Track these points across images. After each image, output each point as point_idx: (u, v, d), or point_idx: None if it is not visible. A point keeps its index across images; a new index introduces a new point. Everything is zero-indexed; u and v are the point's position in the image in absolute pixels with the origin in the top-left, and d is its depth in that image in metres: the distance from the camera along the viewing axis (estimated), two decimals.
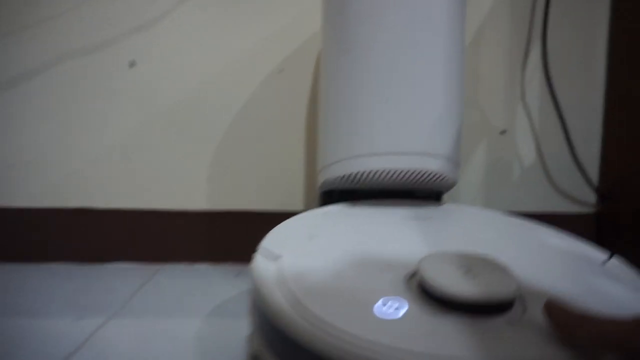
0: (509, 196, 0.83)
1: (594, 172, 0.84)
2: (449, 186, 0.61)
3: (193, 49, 0.77)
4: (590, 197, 0.84)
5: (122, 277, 0.72)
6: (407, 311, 0.34)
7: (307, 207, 0.80)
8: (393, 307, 0.35)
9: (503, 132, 0.82)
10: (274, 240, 0.47)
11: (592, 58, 0.83)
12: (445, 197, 0.65)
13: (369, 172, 0.55)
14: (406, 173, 0.55)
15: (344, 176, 0.57)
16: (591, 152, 0.84)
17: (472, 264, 0.38)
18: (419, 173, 0.55)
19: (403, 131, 0.54)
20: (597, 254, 0.47)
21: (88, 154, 0.78)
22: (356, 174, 0.56)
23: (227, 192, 0.79)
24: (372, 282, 0.39)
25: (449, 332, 0.32)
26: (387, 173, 0.55)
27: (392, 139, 0.54)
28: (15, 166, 0.77)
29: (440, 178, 0.57)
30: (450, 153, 0.56)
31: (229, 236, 0.79)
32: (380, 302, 0.35)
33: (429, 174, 0.56)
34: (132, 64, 0.76)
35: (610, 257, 0.47)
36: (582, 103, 0.83)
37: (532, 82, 0.82)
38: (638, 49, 0.77)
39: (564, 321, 0.29)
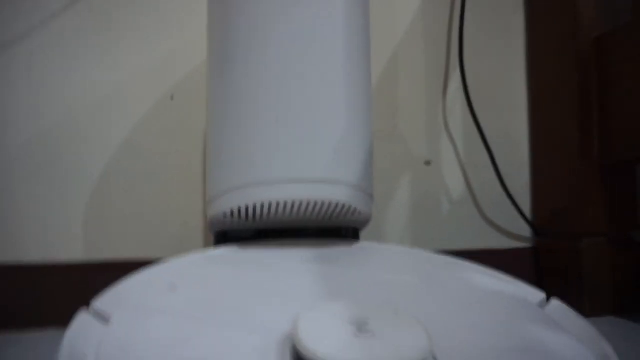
0: (439, 233, 0.75)
1: (526, 204, 0.78)
2: (362, 221, 0.52)
3: (66, 74, 0.65)
4: (526, 231, 0.78)
5: None
6: None
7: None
8: None
9: (428, 163, 0.75)
10: (117, 293, 0.34)
11: (513, 84, 0.79)
12: (369, 238, 0.55)
13: (258, 205, 0.45)
14: (305, 205, 0.45)
15: (231, 211, 0.46)
16: (522, 183, 0.79)
17: (368, 319, 0.28)
18: (320, 204, 0.46)
19: (297, 155, 0.45)
20: (533, 296, 0.38)
21: None
22: (245, 209, 0.45)
23: (109, 239, 0.66)
24: (231, 350, 0.27)
25: None
26: (281, 206, 0.45)
27: (284, 165, 0.44)
28: None
29: (348, 210, 0.47)
30: (357, 181, 0.47)
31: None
32: None
33: (333, 206, 0.46)
34: None
35: (548, 299, 0.38)
36: (508, 131, 0.78)
37: (454, 109, 0.76)
38: (555, 76, 0.74)
39: None
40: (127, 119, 0.66)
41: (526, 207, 0.78)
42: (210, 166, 0.49)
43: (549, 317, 0.34)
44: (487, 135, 0.74)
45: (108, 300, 0.33)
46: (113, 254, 0.66)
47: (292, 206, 0.46)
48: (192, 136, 0.68)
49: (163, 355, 0.27)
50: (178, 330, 0.29)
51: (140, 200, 0.67)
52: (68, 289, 0.64)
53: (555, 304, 0.37)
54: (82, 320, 0.30)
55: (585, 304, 0.67)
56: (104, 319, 0.31)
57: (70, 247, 0.65)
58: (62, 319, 0.63)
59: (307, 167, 0.44)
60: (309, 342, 0.25)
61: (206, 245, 0.68)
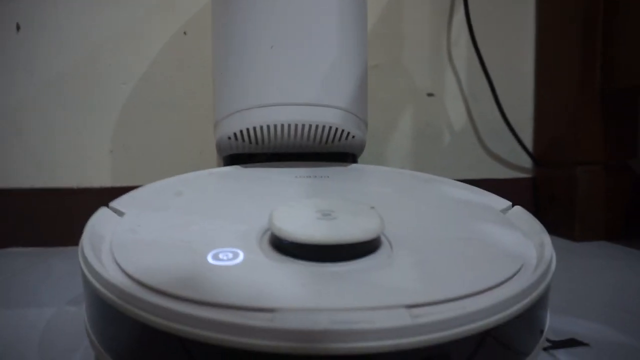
0: (440, 163, 0.78)
1: (528, 136, 0.80)
2: (357, 146, 0.56)
3: (86, 11, 0.70)
4: (527, 162, 0.81)
5: (10, 261, 0.65)
6: (242, 261, 0.29)
7: None
8: (226, 259, 0.29)
9: (430, 95, 0.77)
10: (131, 196, 0.41)
11: (520, 15, 0.79)
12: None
13: (258, 128, 0.49)
14: (301, 128, 0.50)
15: (234, 134, 0.51)
16: (524, 116, 0.80)
17: (333, 210, 0.33)
18: (314, 127, 0.50)
19: (291, 80, 0.49)
20: (499, 204, 0.43)
21: None
22: (246, 131, 0.50)
23: (133, 166, 0.73)
24: (218, 235, 0.33)
25: (284, 280, 0.26)
26: (278, 128, 0.50)
27: (279, 89, 0.48)
28: None
29: (340, 134, 0.52)
30: (348, 105, 0.51)
31: None
32: (211, 253, 0.29)
33: (327, 129, 0.50)
34: (18, 28, 0.69)
35: (513, 206, 0.42)
36: (512, 65, 0.79)
37: (459, 41, 0.77)
38: (561, 4, 0.73)
39: None
40: (145, 54, 0.71)
41: (528, 140, 0.80)
42: (215, 92, 0.54)
43: (506, 218, 0.39)
44: (491, 69, 0.76)
45: (124, 201, 0.39)
46: (136, 181, 0.73)
47: (288, 129, 0.50)
48: (204, 68, 0.72)
49: (162, 237, 0.33)
50: (176, 220, 0.35)
51: (159, 130, 0.73)
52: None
53: (517, 209, 0.41)
54: (101, 213, 0.37)
55: (575, 228, 0.71)
56: (119, 213, 0.37)
57: (99, 174, 0.72)
58: None
59: (300, 91, 0.49)
60: (280, 223, 0.30)
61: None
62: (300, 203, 0.34)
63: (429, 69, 0.77)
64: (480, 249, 0.32)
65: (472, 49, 0.76)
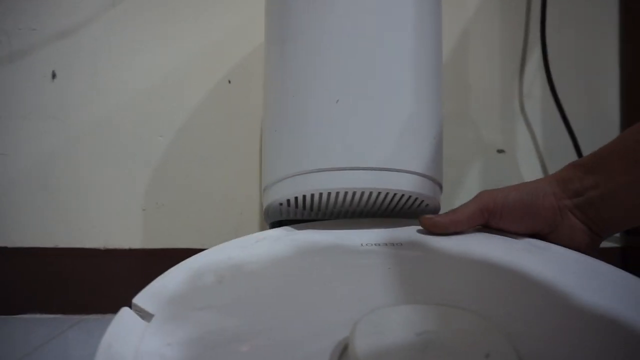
0: None
1: None
2: (429, 213, 0.47)
3: (123, 59, 0.65)
4: None
5: (27, 331, 0.57)
6: None
7: None
8: None
9: (501, 152, 0.68)
10: (161, 287, 0.32)
11: (604, 61, 0.70)
12: None
13: (316, 194, 0.41)
14: (368, 195, 0.41)
15: (287, 200, 0.43)
16: None
17: (437, 327, 0.23)
18: (383, 195, 0.41)
19: (359, 140, 0.40)
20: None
21: None
22: (302, 198, 0.42)
23: (166, 227, 0.65)
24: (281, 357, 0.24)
25: None
26: (341, 195, 0.41)
27: (344, 150, 0.40)
28: None
29: (413, 201, 0.43)
30: (424, 169, 0.42)
31: None
32: None
33: (398, 196, 0.42)
34: (53, 76, 0.65)
35: None
36: (595, 116, 0.69)
37: (533, 91, 0.69)
38: None
39: (431, 221, 0.40)
40: (184, 104, 0.65)
41: None
42: (265, 152, 0.46)
43: None
44: (571, 121, 0.66)
45: (152, 294, 0.31)
46: (170, 243, 0.65)
47: (352, 196, 0.42)
48: (250, 120, 0.65)
49: (204, 357, 0.24)
50: (219, 331, 0.27)
51: (197, 188, 0.66)
52: (127, 274, 0.64)
53: None
54: (122, 319, 0.28)
55: None
56: (145, 315, 0.29)
57: (129, 234, 0.65)
58: (121, 305, 0.64)
59: (369, 152, 0.40)
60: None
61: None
62: (385, 315, 0.25)
63: (499, 122, 0.68)
64: None
65: (547, 100, 0.67)
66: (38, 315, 0.63)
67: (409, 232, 0.41)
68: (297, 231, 0.42)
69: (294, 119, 0.42)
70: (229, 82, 0.65)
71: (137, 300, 0.30)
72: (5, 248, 0.64)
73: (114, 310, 0.68)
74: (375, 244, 0.38)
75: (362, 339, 0.23)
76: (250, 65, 0.65)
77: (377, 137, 0.41)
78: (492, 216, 0.39)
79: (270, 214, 0.47)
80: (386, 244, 0.38)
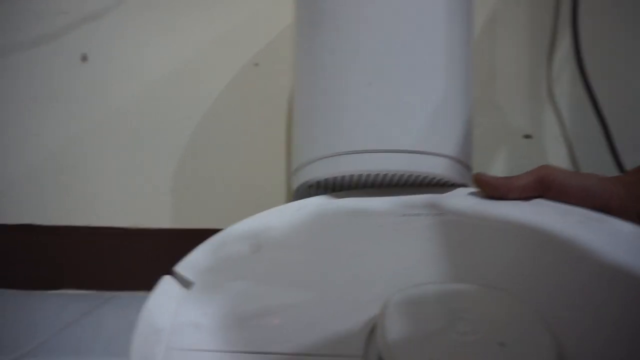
0: None
1: None
2: None
3: (152, 42, 0.66)
4: None
5: (60, 307, 0.60)
6: None
7: None
8: None
9: (528, 137, 0.68)
10: (200, 255, 0.33)
11: (637, 46, 0.68)
12: None
13: (347, 176, 0.42)
14: (398, 177, 0.42)
15: (317, 182, 0.44)
16: None
17: (468, 309, 0.24)
18: (414, 177, 0.42)
19: (392, 123, 0.41)
20: None
21: (31, 163, 0.66)
22: (332, 180, 0.43)
23: (194, 207, 0.67)
24: (306, 338, 0.25)
25: None
26: (372, 177, 0.42)
27: (376, 133, 0.41)
28: None
29: (444, 184, 0.43)
30: (455, 152, 0.43)
31: None
32: None
33: (429, 179, 0.42)
34: (84, 58, 0.66)
35: None
36: (626, 102, 0.68)
37: (562, 77, 0.68)
38: None
39: (485, 180, 0.40)
40: (211, 88, 0.66)
41: None
42: (296, 134, 0.47)
43: None
44: (602, 108, 0.65)
45: (191, 263, 0.32)
46: (197, 223, 0.67)
47: (383, 178, 0.42)
48: (277, 103, 0.66)
49: (238, 327, 0.25)
50: (252, 301, 0.28)
51: (224, 170, 0.67)
52: (156, 253, 0.66)
53: None
54: (163, 288, 0.30)
55: None
56: (186, 283, 0.30)
57: (157, 215, 0.67)
58: (151, 285, 0.65)
59: (401, 135, 0.41)
60: (393, 349, 0.21)
61: None
62: (416, 297, 0.25)
63: (526, 108, 0.68)
64: None
65: (576, 85, 0.66)
66: (71, 291, 0.65)
67: (455, 199, 0.40)
68: (337, 200, 0.41)
69: (326, 101, 0.43)
70: (256, 65, 0.66)
71: (179, 268, 0.31)
72: (40, 226, 0.66)
73: (145, 287, 0.70)
74: (417, 213, 0.38)
75: (391, 321, 0.23)
76: (278, 47, 0.65)
77: (409, 120, 0.41)
78: (548, 190, 0.37)
79: (301, 195, 0.48)
80: (429, 213, 0.37)
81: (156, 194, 0.67)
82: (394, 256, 0.33)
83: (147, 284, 0.66)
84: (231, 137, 0.66)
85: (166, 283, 0.30)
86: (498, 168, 0.67)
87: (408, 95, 0.41)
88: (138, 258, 0.66)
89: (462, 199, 0.40)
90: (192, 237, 0.65)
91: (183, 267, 0.32)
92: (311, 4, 0.45)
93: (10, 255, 0.66)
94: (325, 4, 0.43)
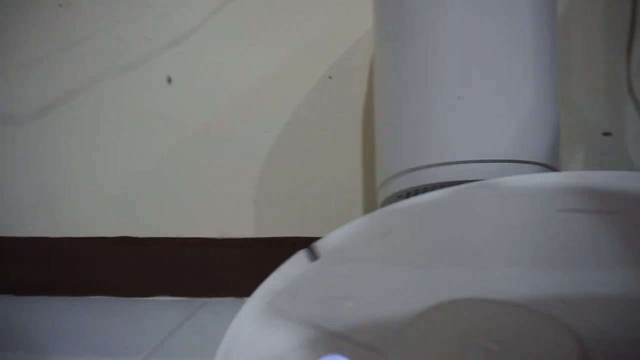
0: None
1: None
2: None
3: (230, 61, 0.70)
4: None
5: (162, 312, 0.65)
6: None
7: None
8: None
9: (607, 134, 0.66)
10: (337, 234, 0.35)
11: None
12: None
13: (437, 186, 0.43)
14: None
15: (408, 193, 0.45)
16: None
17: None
18: None
19: (483, 133, 0.42)
20: None
21: (125, 180, 0.72)
22: (425, 189, 0.44)
23: (276, 216, 0.70)
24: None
25: None
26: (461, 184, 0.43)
27: (469, 144, 0.42)
28: (49, 195, 0.73)
29: None
30: (545, 159, 0.43)
31: (279, 266, 0.70)
32: None
33: None
34: (169, 80, 0.71)
35: None
36: None
37: None
38: None
39: None
40: (289, 100, 0.69)
41: None
42: (382, 148, 0.49)
43: None
44: None
45: (327, 241, 0.34)
46: (279, 231, 0.70)
47: None
48: (350, 114, 0.68)
49: (364, 307, 0.27)
50: (349, 283, 0.30)
51: (303, 180, 0.69)
52: (242, 261, 0.70)
53: None
54: (297, 256, 0.32)
55: None
56: (312, 258, 0.33)
57: (242, 224, 0.71)
58: (238, 291, 0.70)
59: (493, 146, 0.42)
60: None
61: None
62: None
63: (604, 104, 0.66)
64: None
65: None
66: (167, 298, 0.70)
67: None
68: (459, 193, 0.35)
69: (415, 115, 0.44)
70: (330, 77, 0.68)
71: (315, 244, 0.34)
72: (137, 238, 0.71)
73: (234, 294, 0.74)
74: (577, 210, 0.29)
75: None
76: (350, 60, 0.67)
77: (500, 130, 0.42)
78: None
79: (387, 205, 0.50)
80: (593, 210, 0.28)
81: (239, 205, 0.70)
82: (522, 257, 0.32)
83: (235, 290, 0.70)
84: (309, 148, 0.69)
85: (297, 256, 0.33)
86: (577, 166, 0.66)
87: (498, 106, 0.42)
88: (225, 266, 0.71)
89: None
90: (274, 245, 0.69)
91: (321, 242, 0.34)
92: (396, 19, 0.46)
93: (110, 265, 0.72)
94: (411, 19, 0.45)
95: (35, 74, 0.72)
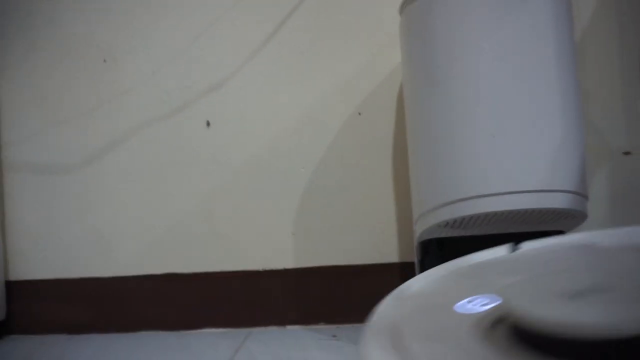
0: None
1: None
2: (577, 223, 0.51)
3: (265, 103, 0.75)
4: None
5: (212, 344, 0.68)
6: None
7: (402, 257, 0.72)
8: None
9: (627, 154, 0.70)
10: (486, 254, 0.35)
11: None
12: None
13: (479, 216, 0.47)
14: (524, 214, 0.46)
15: (447, 223, 0.49)
16: None
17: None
18: (538, 213, 0.46)
19: (516, 166, 0.46)
20: None
21: (170, 219, 0.76)
22: (462, 219, 0.48)
23: (313, 248, 0.74)
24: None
25: None
26: (501, 215, 0.47)
27: (504, 176, 0.46)
28: (99, 237, 0.78)
29: (566, 216, 0.47)
30: (574, 186, 0.47)
31: (319, 295, 0.73)
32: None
33: (551, 213, 0.46)
34: (208, 124, 0.76)
35: None
36: None
37: None
38: None
39: None
40: (322, 137, 0.73)
41: None
42: (420, 184, 0.53)
43: None
44: None
45: (474, 258, 0.33)
46: (318, 261, 0.74)
47: (510, 216, 0.47)
48: (379, 148, 0.72)
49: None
50: (451, 295, 0.31)
51: (338, 212, 0.73)
52: (283, 291, 0.74)
53: None
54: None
55: None
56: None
57: (281, 256, 0.74)
58: (280, 320, 0.73)
59: (526, 177, 0.45)
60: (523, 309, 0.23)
61: (401, 252, 0.72)
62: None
63: (622, 125, 0.70)
64: None
65: None
66: (214, 330, 0.74)
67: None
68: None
69: (452, 154, 0.48)
70: (359, 114, 0.73)
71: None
72: (183, 274, 0.75)
73: (276, 322, 0.77)
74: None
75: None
76: (378, 97, 0.72)
77: (532, 163, 0.46)
78: None
79: (425, 234, 0.54)
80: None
81: (279, 238, 0.74)
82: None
83: (277, 319, 0.73)
84: (342, 181, 0.73)
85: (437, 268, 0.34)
86: (601, 185, 0.69)
87: (529, 142, 0.46)
88: (267, 296, 0.74)
89: None
90: (313, 274, 0.73)
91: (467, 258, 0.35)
92: (428, 64, 0.51)
93: (159, 301, 0.76)
94: (443, 63, 0.49)
95: (83, 124, 0.78)
